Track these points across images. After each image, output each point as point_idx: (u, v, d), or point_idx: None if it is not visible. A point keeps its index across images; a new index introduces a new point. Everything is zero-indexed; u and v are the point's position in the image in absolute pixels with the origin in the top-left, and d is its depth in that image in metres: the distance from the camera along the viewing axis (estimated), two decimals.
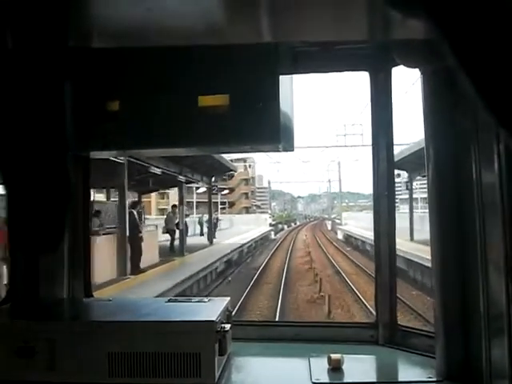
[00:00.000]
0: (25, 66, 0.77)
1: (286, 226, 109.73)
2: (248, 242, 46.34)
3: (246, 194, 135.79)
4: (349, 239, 59.53)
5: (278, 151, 2.97)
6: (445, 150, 2.69)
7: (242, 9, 2.15)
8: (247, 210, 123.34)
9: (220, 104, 2.74)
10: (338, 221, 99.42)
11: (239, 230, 63.86)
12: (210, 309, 2.92)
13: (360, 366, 3.09)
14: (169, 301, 3.27)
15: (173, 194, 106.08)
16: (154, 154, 3.26)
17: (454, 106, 2.59)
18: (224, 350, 2.69)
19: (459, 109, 2.52)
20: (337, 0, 2.07)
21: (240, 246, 40.78)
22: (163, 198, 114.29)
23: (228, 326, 2.75)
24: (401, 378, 3.12)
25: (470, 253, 2.47)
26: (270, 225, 79.74)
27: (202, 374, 2.55)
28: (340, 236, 69.92)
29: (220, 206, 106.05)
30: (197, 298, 3.24)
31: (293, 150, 3.02)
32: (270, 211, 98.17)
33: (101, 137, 2.81)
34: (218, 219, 48.50)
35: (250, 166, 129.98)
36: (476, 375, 2.44)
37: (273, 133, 2.72)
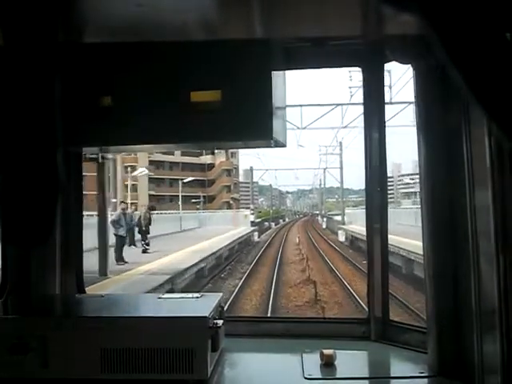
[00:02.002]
0: (16, 61, 0.77)
1: (273, 224, 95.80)
2: (207, 258, 28.29)
3: (228, 186, 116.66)
4: (355, 243, 42.36)
5: (271, 147, 2.97)
6: (437, 144, 2.69)
7: (234, 4, 2.15)
8: (229, 205, 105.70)
9: (212, 100, 2.73)
10: (336, 217, 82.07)
11: (206, 232, 48.16)
12: (203, 305, 2.92)
13: (352, 361, 3.10)
14: (161, 297, 3.26)
15: (143, 164, 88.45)
16: (146, 150, 3.25)
17: (446, 101, 2.59)
18: (217, 345, 2.69)
19: (451, 104, 2.52)
20: None
21: (180, 273, 22.28)
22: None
23: (220, 322, 2.74)
24: (393, 374, 3.13)
25: (462, 249, 2.47)
26: (253, 223, 64.62)
27: (195, 370, 2.54)
28: (342, 238, 52.14)
29: (192, 200, 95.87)
30: (189, 294, 3.24)
31: (285, 146, 3.02)
32: (252, 206, 77.75)
33: (93, 132, 2.80)
34: (150, 216, 31.63)
35: (232, 154, 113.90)
36: (468, 370, 2.44)
37: (265, 129, 2.72)
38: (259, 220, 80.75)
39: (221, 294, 3.18)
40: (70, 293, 3.49)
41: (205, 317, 2.62)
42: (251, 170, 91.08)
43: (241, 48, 2.68)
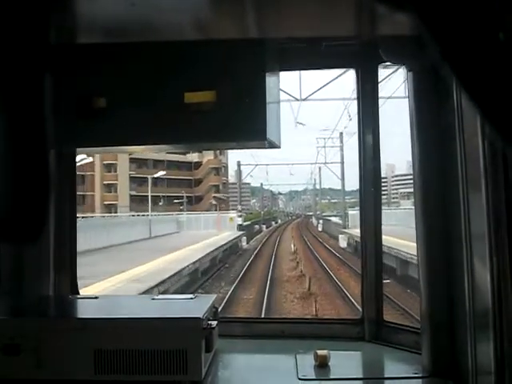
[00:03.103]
0: (7, 63, 0.77)
1: (264, 227, 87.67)
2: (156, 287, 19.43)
3: (217, 186, 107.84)
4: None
5: (265, 148, 2.97)
6: (431, 145, 2.70)
7: (228, 4, 2.14)
8: (217, 207, 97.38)
9: (206, 100, 2.72)
10: (334, 219, 75.04)
11: (182, 238, 42.21)
12: (197, 306, 2.92)
13: (346, 362, 3.10)
14: (155, 298, 3.26)
15: (124, 170, 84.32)
16: (140, 151, 3.24)
17: (439, 101, 2.60)
18: (210, 346, 2.68)
19: (444, 104, 2.53)
20: None
21: None
22: (110, 171, 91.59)
23: (214, 323, 2.74)
24: (387, 374, 3.13)
25: (455, 249, 2.48)
26: (240, 227, 57.19)
27: (189, 371, 2.54)
28: (343, 243, 44.87)
29: (176, 201, 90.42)
30: (183, 295, 3.24)
31: (279, 147, 3.02)
32: (239, 207, 69.92)
33: (87, 133, 2.79)
34: None
35: (220, 152, 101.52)
36: (462, 371, 2.45)
37: (259, 129, 2.71)
38: (248, 223, 73.77)
39: (215, 296, 3.18)
40: (63, 294, 3.48)
41: (199, 318, 2.62)
42: (238, 165, 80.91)
43: (235, 48, 2.68)
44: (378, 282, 3.33)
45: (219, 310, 2.83)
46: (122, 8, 2.05)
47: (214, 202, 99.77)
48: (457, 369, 2.53)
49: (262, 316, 19.37)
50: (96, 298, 3.35)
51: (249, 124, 2.71)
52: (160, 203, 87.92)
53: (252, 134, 2.76)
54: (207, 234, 46.28)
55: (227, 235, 46.60)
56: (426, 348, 2.72)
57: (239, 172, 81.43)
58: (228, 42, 2.65)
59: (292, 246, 45.47)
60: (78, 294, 3.61)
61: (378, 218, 3.32)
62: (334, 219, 77.25)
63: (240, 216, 61.98)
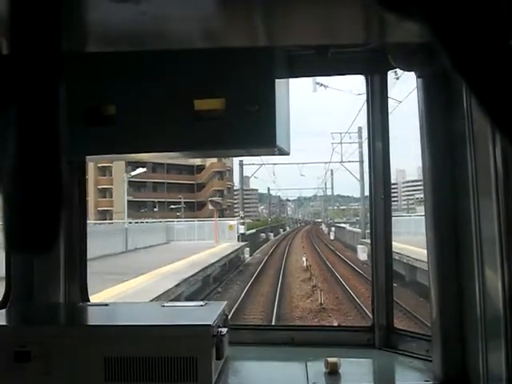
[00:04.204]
0: (21, 70, 0.78)
1: (272, 235, 79.64)
2: None
3: (221, 191, 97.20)
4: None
5: (274, 155, 2.97)
6: (441, 151, 2.69)
7: (238, 12, 2.15)
8: (221, 213, 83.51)
9: (216, 108, 2.73)
10: (349, 227, 67.65)
11: (167, 253, 34.04)
12: (207, 313, 2.92)
13: (357, 369, 3.09)
14: (165, 305, 3.26)
15: (118, 167, 70.83)
16: (149, 158, 3.25)
17: (449, 108, 2.60)
18: (221, 354, 2.68)
19: (455, 111, 2.52)
20: (332, 4, 2.07)
21: None
22: (105, 175, 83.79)
23: (225, 330, 2.74)
24: (398, 382, 3.12)
25: (466, 256, 2.47)
26: (243, 236, 47.91)
27: (199, 379, 2.54)
28: (363, 256, 38.18)
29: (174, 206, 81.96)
30: (193, 302, 3.24)
31: (289, 154, 3.02)
32: (241, 213, 60.28)
33: (97, 141, 2.80)
34: None
35: None
36: (473, 379, 2.44)
37: (269, 136, 2.71)
38: (253, 231, 63.64)
39: (225, 302, 3.18)
40: (73, 301, 3.49)
41: (209, 325, 2.62)
42: (240, 165, 68.73)
43: (244, 56, 2.68)
44: (388, 289, 3.32)
45: None
46: (131, 17, 2.05)
47: (210, 207, 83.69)
48: (468, 376, 2.52)
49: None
50: (106, 305, 3.36)
51: (258, 131, 2.71)
52: (155, 209, 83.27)
53: (262, 142, 2.76)
54: (204, 245, 38.75)
55: (226, 247, 38.99)
56: (437, 355, 2.70)
57: (241, 172, 68.64)
58: (237, 49, 2.66)
59: (304, 260, 35.84)
60: (89, 301, 3.62)
61: (388, 225, 3.32)
62: (348, 227, 69.55)
63: (243, 223, 52.31)
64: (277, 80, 2.76)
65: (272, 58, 2.73)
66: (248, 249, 43.00)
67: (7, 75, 0.89)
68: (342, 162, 62.00)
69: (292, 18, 2.22)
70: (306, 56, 3.11)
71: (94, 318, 3.26)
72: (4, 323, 3.01)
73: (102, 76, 2.74)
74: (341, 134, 61.16)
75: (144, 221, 52.25)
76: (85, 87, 2.70)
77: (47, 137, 0.88)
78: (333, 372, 2.84)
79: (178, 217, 71.55)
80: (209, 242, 42.21)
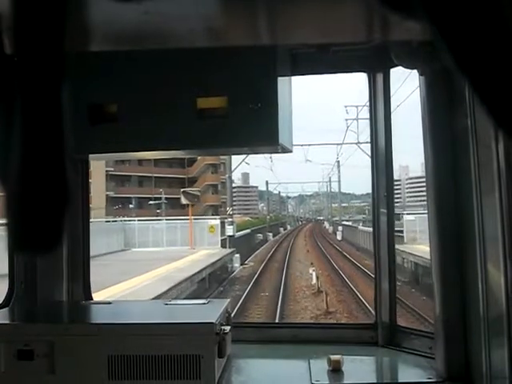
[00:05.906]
0: (23, 71, 0.78)
1: (270, 235, 72.00)
2: None
3: (215, 186, 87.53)
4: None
5: (277, 152, 2.97)
6: (443, 148, 2.69)
7: (240, 11, 2.15)
8: (215, 210, 78.18)
9: (218, 106, 2.73)
10: (361, 226, 56.58)
11: (113, 269, 21.48)
12: (210, 311, 2.92)
13: (360, 367, 3.09)
14: (168, 303, 3.26)
15: (99, 167, 59.15)
16: (152, 156, 3.26)
17: (452, 106, 2.60)
18: (224, 351, 2.68)
19: (457, 109, 2.52)
20: (334, 2, 2.07)
21: None
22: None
23: (228, 328, 2.74)
24: (401, 379, 3.12)
25: (469, 253, 2.47)
26: (230, 240, 37.10)
27: (202, 376, 2.54)
28: None
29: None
30: (196, 300, 3.24)
31: (291, 152, 3.03)
32: (229, 209, 43.30)
33: (100, 139, 2.81)
34: None
35: None
36: (476, 376, 2.44)
37: (271, 134, 2.72)
38: (248, 231, 53.94)
39: (228, 300, 3.18)
40: (76, 300, 3.49)
41: (212, 323, 2.62)
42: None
43: (247, 54, 2.69)
44: (391, 287, 3.32)
45: None
46: (134, 16, 2.05)
47: (211, 204, 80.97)
48: (471, 373, 2.52)
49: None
50: (109, 303, 3.36)
51: (261, 129, 2.72)
52: (131, 206, 73.83)
53: (264, 139, 2.76)
54: (172, 253, 29.85)
55: (204, 255, 30.07)
56: (440, 353, 2.71)
57: (230, 160, 50.68)
58: (240, 48, 2.66)
59: (312, 273, 26.39)
60: (92, 299, 3.62)
61: (390, 224, 3.31)
62: (361, 226, 58.37)
63: (231, 223, 39.09)
64: (279, 78, 2.76)
65: (274, 56, 2.74)
66: (238, 256, 34.77)
67: (11, 75, 0.89)
68: (358, 142, 50.56)
69: (294, 16, 2.22)
70: (308, 54, 3.11)
71: (97, 316, 3.27)
72: (7, 321, 3.02)
73: (105, 75, 2.74)
74: (357, 107, 51.95)
75: (110, 220, 44.61)
76: (88, 86, 2.71)
77: (51, 136, 0.89)
78: (336, 370, 2.84)
79: (157, 214, 61.81)
80: (182, 249, 32.83)
